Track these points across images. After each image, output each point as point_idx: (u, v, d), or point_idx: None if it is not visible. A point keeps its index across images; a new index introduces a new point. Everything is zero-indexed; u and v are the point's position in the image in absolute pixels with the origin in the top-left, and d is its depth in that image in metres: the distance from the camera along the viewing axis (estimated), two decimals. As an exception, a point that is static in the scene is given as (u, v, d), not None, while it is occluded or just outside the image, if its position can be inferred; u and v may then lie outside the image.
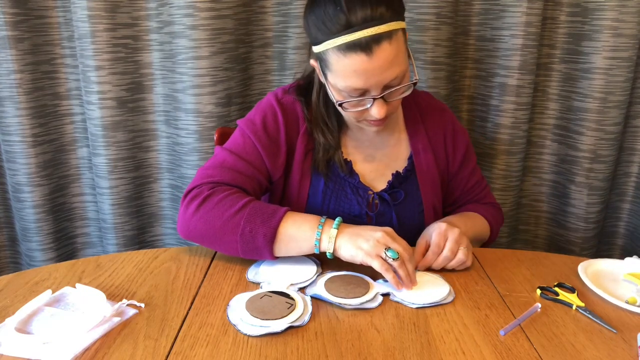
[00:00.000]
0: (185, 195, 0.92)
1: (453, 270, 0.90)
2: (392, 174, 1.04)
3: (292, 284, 0.84)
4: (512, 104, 1.39)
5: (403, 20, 0.87)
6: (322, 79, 0.94)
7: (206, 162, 0.98)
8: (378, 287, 0.84)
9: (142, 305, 0.77)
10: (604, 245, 1.62)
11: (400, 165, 1.05)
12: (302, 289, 0.83)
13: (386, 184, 1.04)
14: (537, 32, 1.34)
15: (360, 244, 0.82)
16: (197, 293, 0.82)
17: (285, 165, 1.01)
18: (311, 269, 0.89)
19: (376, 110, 0.89)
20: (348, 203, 1.02)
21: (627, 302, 0.81)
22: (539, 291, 0.85)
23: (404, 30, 0.87)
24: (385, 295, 0.82)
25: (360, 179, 1.02)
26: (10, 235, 1.56)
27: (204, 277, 0.87)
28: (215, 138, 1.23)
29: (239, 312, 0.75)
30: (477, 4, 1.39)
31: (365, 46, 0.82)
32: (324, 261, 0.90)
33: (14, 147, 1.38)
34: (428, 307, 0.80)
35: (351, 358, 0.67)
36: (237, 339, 0.70)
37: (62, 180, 1.48)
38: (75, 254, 1.55)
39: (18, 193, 1.42)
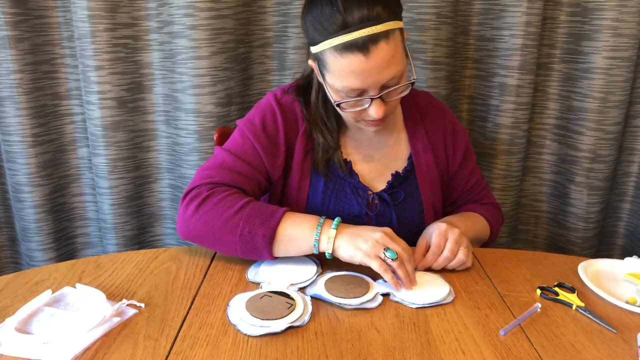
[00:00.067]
0: (185, 196, 0.92)
1: (453, 270, 0.90)
2: (392, 174, 1.04)
3: (292, 284, 0.84)
4: (512, 103, 1.39)
5: (400, 19, 0.87)
6: (320, 80, 0.94)
7: (206, 163, 0.98)
8: (378, 287, 0.84)
9: (142, 305, 0.77)
10: (604, 245, 1.62)
11: (400, 165, 1.05)
12: (302, 289, 0.83)
13: (386, 184, 1.04)
14: (537, 32, 1.34)
15: (359, 244, 0.82)
16: (197, 293, 0.82)
17: (285, 165, 1.01)
18: (311, 269, 0.88)
19: (374, 111, 0.89)
20: (348, 203, 1.02)
21: (627, 302, 0.81)
22: (539, 291, 0.85)
23: (401, 29, 0.87)
24: (385, 295, 0.82)
25: (360, 179, 1.02)
26: (10, 235, 1.56)
27: (204, 277, 0.87)
28: (215, 138, 1.23)
29: (239, 312, 0.75)
30: (477, 4, 1.39)
31: (362, 46, 0.82)
32: (324, 261, 0.90)
33: (14, 147, 1.38)
34: (428, 307, 0.80)
35: (351, 358, 0.67)
36: (237, 339, 0.70)
37: (62, 180, 1.48)
38: (75, 254, 1.55)
39: (18, 193, 1.42)
